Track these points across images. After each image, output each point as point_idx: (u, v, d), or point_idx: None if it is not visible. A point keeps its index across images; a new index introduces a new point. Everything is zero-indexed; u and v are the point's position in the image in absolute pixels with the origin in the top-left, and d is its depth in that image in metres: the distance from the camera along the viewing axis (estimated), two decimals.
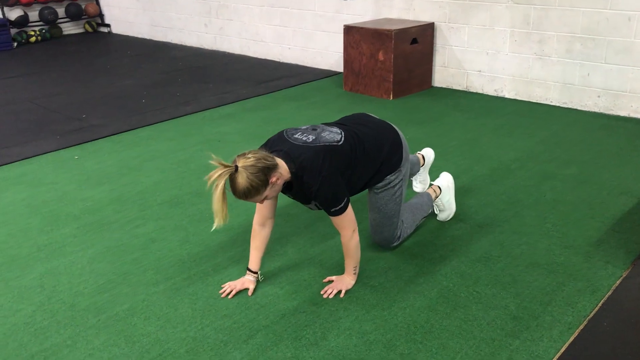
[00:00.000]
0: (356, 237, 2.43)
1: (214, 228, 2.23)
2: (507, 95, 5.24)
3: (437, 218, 3.06)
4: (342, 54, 5.69)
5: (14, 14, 8.27)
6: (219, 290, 2.54)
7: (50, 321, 2.40)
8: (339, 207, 2.34)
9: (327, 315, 2.37)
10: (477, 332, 2.25)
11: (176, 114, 5.05)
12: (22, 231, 3.14)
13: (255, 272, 2.56)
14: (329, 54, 6.38)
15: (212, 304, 2.46)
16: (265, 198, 2.27)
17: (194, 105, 5.31)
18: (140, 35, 8.61)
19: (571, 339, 2.19)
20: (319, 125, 2.48)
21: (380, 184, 2.56)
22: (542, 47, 4.90)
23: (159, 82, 6.14)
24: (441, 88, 5.60)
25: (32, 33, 8.45)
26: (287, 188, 2.40)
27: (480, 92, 5.39)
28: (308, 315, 2.37)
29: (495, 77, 5.26)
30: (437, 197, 2.99)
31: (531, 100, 5.09)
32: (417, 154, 3.21)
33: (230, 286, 2.53)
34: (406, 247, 2.83)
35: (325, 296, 2.47)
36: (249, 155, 2.19)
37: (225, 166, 2.15)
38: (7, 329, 2.36)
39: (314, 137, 2.37)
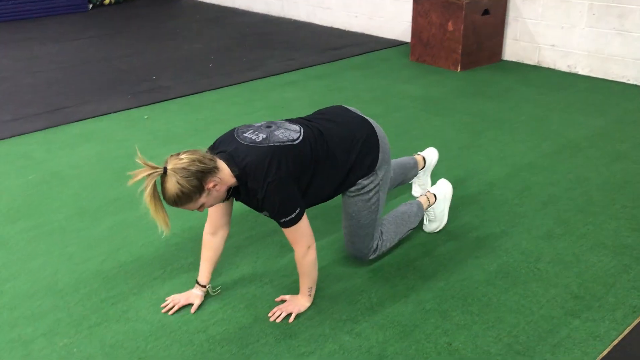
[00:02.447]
0: (312, 254, 2.13)
1: (163, 236, 1.99)
2: (580, 72, 5.03)
3: (424, 228, 2.70)
4: (410, 24, 5.59)
5: None
6: (162, 303, 2.29)
7: (118, 270, 2.52)
8: (289, 217, 2.03)
9: (383, 282, 2.39)
10: (535, 308, 2.21)
11: (242, 79, 5.12)
12: (93, 185, 3.28)
13: (204, 286, 2.28)
14: (396, 24, 6.28)
15: (273, 263, 2.52)
16: (203, 206, 2.00)
17: (260, 71, 5.35)
18: (208, 0, 8.70)
19: (635, 322, 2.13)
20: (276, 122, 2.18)
21: (352, 188, 2.25)
22: (622, 21, 4.66)
23: (226, 47, 6.21)
24: (511, 62, 5.43)
25: None
26: (237, 194, 2.12)
27: (552, 67, 5.19)
28: (364, 281, 2.40)
29: (569, 52, 5.05)
30: (429, 206, 2.64)
31: (606, 78, 4.87)
32: (416, 155, 2.87)
33: (174, 301, 2.26)
34: (467, 221, 2.80)
35: (272, 318, 2.17)
36: (183, 156, 1.93)
37: (153, 167, 1.89)
38: (78, 275, 2.49)
39: (264, 136, 2.07)
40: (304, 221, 2.09)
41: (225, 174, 2.00)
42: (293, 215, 2.04)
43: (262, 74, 5.26)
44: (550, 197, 3.01)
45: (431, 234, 2.70)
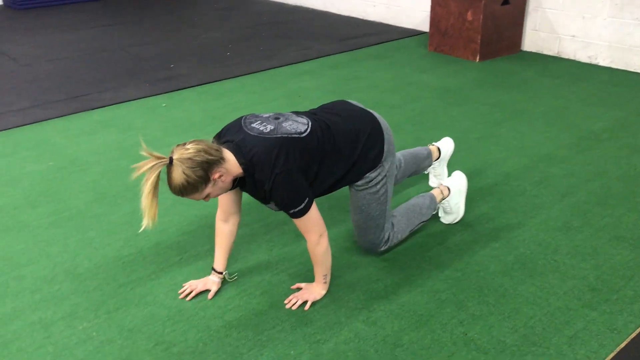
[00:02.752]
0: (324, 242, 2.13)
1: (141, 229, 1.98)
2: (601, 63, 4.96)
3: (441, 220, 2.70)
4: (428, 13, 5.55)
5: None
6: (179, 289, 2.31)
7: (137, 256, 2.54)
8: (299, 208, 2.03)
9: (398, 271, 2.39)
10: (552, 300, 2.21)
11: (259, 68, 5.12)
12: (112, 171, 3.32)
13: (220, 272, 2.31)
14: (414, 13, 6.24)
15: (289, 250, 2.53)
16: (208, 196, 2.00)
17: (277, 60, 5.35)
18: None
19: None
20: (284, 114, 2.17)
21: (360, 182, 2.25)
22: None
23: (243, 35, 6.22)
24: (531, 52, 5.38)
25: None
26: (242, 184, 2.11)
27: (572, 58, 5.13)
28: (380, 270, 2.40)
29: (589, 43, 4.99)
30: (443, 199, 2.62)
31: (628, 69, 4.81)
32: (431, 146, 2.85)
33: (191, 286, 2.29)
34: (483, 211, 2.79)
35: (288, 306, 2.19)
36: (189, 146, 1.92)
37: (159, 158, 1.89)
38: (97, 260, 2.52)
39: (272, 127, 2.05)
40: (314, 210, 2.07)
41: (231, 164, 1.99)
42: (302, 206, 2.02)
43: (279, 63, 5.26)
44: (568, 188, 2.99)
45: (447, 224, 2.70)
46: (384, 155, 2.24)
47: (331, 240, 2.61)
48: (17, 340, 2.08)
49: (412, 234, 2.61)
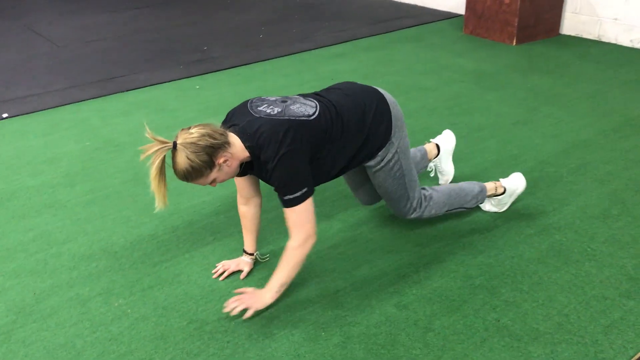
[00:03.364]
0: (307, 247, 1.97)
1: (156, 210, 1.97)
2: None
3: (481, 206, 2.64)
4: None
5: None
6: (212, 269, 2.33)
7: (171, 235, 2.58)
8: (294, 195, 1.92)
9: (431, 256, 2.38)
10: (588, 288, 2.17)
11: (291, 51, 5.11)
12: None
13: (251, 254, 2.31)
14: None
15: (320, 232, 2.54)
16: (215, 181, 1.97)
17: (309, 42, 5.33)
18: None
19: None
20: (291, 97, 2.10)
21: (371, 163, 2.19)
22: None
23: (276, 18, 6.20)
24: (570, 36, 5.25)
25: None
26: (250, 168, 2.06)
27: (614, 42, 4.99)
28: (412, 255, 2.39)
29: (632, 26, 4.84)
30: (495, 195, 2.57)
31: None
32: (427, 144, 2.74)
33: (224, 266, 2.31)
34: (518, 198, 2.75)
35: (226, 310, 2.01)
36: (193, 130, 1.89)
37: (162, 142, 1.88)
38: (133, 238, 2.57)
39: (279, 110, 1.99)
40: (309, 205, 1.96)
41: (237, 148, 1.94)
42: (299, 194, 1.92)
43: (311, 45, 5.24)
44: (606, 176, 2.92)
45: (481, 209, 2.67)
46: (392, 130, 2.16)
47: (358, 225, 2.61)
48: (55, 315, 2.13)
49: (446, 217, 2.59)
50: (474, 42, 5.15)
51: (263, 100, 2.06)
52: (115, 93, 4.25)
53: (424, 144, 2.78)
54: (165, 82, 4.45)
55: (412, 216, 2.37)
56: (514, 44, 5.02)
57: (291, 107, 2.01)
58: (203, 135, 1.87)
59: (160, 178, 1.90)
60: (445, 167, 2.81)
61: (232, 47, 5.26)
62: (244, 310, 2.02)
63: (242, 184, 2.19)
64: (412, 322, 2.04)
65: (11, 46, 5.44)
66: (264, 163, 1.94)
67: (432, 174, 2.86)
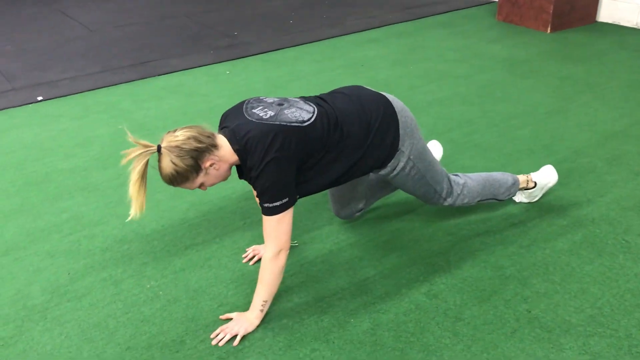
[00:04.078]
0: (282, 260, 1.91)
1: (129, 219, 1.87)
2: None
3: (516, 199, 2.61)
4: None
5: None
6: (242, 253, 2.34)
7: (202, 219, 2.60)
8: (273, 204, 1.85)
9: (461, 245, 2.36)
10: (622, 281, 2.13)
11: (322, 36, 5.08)
12: None
13: None
14: None
15: (350, 222, 2.54)
16: (203, 185, 1.92)
17: (340, 28, 5.30)
18: None
19: None
20: (289, 99, 2.01)
21: (383, 172, 2.11)
22: None
23: (306, 3, 6.17)
24: (606, 24, 5.12)
25: None
26: (242, 172, 1.98)
27: None
28: (442, 244, 2.38)
29: None
30: (526, 189, 2.53)
31: None
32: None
33: (255, 251, 2.32)
34: (551, 188, 2.70)
35: (214, 342, 1.93)
36: (178, 133, 1.83)
37: (146, 146, 1.81)
38: (164, 222, 2.60)
39: (273, 114, 1.90)
40: (287, 218, 1.89)
41: (225, 151, 1.88)
42: (278, 204, 1.85)
43: (342, 31, 5.21)
44: None
45: (513, 199, 2.64)
46: (400, 140, 2.05)
47: (387, 213, 2.60)
48: (88, 295, 2.18)
49: (478, 207, 2.56)
50: (507, 29, 5.07)
51: (260, 101, 1.99)
52: (147, 77, 4.28)
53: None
54: (195, 67, 4.47)
55: (445, 204, 2.32)
56: (549, 31, 4.92)
57: (285, 111, 1.93)
58: (188, 138, 1.82)
59: (141, 184, 1.83)
60: None
61: (262, 32, 5.26)
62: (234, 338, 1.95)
63: None
64: (441, 311, 2.03)
65: (45, 30, 5.52)
66: (249, 169, 1.87)
67: None
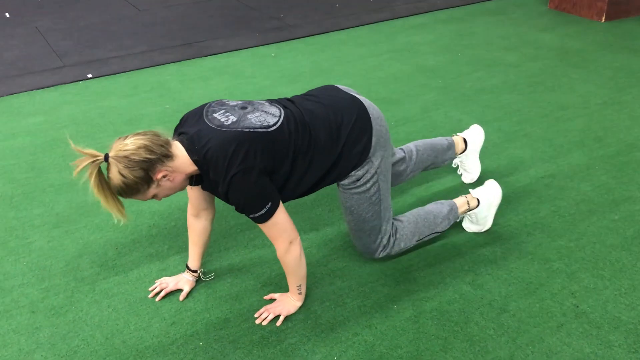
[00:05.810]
0: (295, 250, 1.86)
1: (122, 224, 1.75)
2: None
3: (464, 227, 2.37)
4: None
5: None
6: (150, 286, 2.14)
7: None
8: (259, 213, 1.76)
9: (508, 237, 2.32)
10: None
11: (368, 20, 5.03)
12: None
13: (195, 271, 2.11)
14: None
15: (396, 207, 2.52)
16: (156, 196, 1.78)
17: (387, 12, 5.24)
18: None
19: None
20: (254, 103, 1.88)
21: (346, 181, 1.96)
22: None
23: None
24: None
25: None
26: (202, 181, 1.84)
27: None
28: (488, 234, 2.34)
29: None
30: (469, 210, 2.28)
31: None
32: (455, 136, 2.52)
33: (162, 284, 2.11)
34: (603, 182, 2.63)
35: (258, 321, 1.95)
36: (128, 141, 1.68)
37: (93, 155, 1.66)
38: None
39: (235, 118, 1.77)
40: (281, 214, 1.81)
41: (181, 161, 1.75)
42: (263, 211, 1.76)
43: (389, 15, 5.15)
44: None
45: (562, 191, 2.58)
46: (372, 149, 1.93)
47: (432, 201, 2.57)
48: (136, 270, 2.22)
49: (523, 200, 2.51)
50: (559, 17, 4.93)
51: (222, 104, 1.87)
52: (194, 58, 4.32)
53: (452, 135, 2.57)
54: (242, 48, 4.48)
55: (381, 255, 2.10)
56: (603, 20, 4.76)
57: (249, 115, 1.80)
58: (139, 147, 1.67)
59: (106, 192, 1.71)
60: (471, 165, 2.62)
61: (308, 15, 5.24)
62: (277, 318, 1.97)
63: (193, 194, 1.98)
64: (486, 302, 2.00)
65: (95, 9, 5.61)
66: (214, 182, 1.76)
67: (459, 172, 2.69)
